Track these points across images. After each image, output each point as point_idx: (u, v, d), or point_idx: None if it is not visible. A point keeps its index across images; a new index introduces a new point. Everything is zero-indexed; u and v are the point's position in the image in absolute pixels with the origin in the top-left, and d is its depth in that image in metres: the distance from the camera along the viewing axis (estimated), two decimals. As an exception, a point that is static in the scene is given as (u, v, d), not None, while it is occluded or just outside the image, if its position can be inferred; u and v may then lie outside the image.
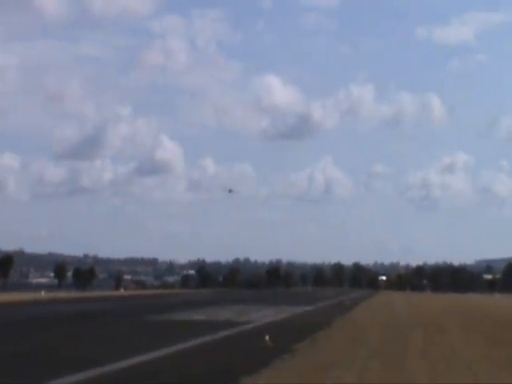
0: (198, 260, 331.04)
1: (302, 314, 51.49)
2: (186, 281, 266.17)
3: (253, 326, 36.37)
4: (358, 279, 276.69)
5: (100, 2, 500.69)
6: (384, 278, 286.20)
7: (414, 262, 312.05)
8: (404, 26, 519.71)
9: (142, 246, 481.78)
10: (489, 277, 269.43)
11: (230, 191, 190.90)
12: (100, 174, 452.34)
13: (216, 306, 60.39)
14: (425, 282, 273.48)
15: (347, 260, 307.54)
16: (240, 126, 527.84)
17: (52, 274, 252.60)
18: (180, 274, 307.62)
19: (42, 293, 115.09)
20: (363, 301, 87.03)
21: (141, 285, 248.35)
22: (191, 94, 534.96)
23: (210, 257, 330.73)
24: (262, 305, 65.75)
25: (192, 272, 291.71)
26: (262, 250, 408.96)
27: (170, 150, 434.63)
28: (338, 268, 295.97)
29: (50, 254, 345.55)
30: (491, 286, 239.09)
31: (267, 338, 25.76)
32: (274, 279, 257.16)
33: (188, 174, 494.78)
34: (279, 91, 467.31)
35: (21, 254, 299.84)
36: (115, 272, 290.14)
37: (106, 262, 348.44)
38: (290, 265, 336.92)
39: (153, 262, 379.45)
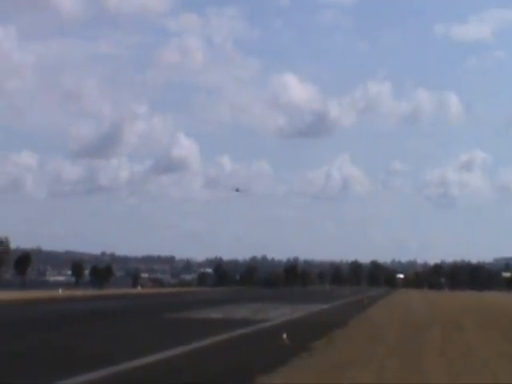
0: (215, 258, 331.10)
1: (319, 312, 51.40)
2: (202, 279, 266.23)
3: (270, 324, 36.33)
4: (376, 277, 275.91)
5: (117, 0, 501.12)
6: (402, 276, 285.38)
7: (432, 259, 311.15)
8: (422, 23, 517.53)
9: (159, 243, 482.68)
10: (507, 275, 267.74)
11: (238, 190, 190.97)
12: (117, 172, 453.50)
13: (233, 305, 60.39)
14: (442, 280, 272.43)
15: (365, 258, 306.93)
16: (257, 124, 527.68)
17: (69, 272, 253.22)
18: (197, 272, 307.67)
19: (60, 291, 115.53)
20: (381, 299, 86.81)
21: (158, 283, 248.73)
22: (208, 91, 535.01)
23: (227, 255, 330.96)
24: (279, 303, 65.71)
25: (209, 270, 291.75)
26: (280, 248, 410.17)
27: (186, 148, 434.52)
28: (356, 266, 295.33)
29: (67, 252, 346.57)
30: (509, 284, 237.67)
31: (285, 336, 25.70)
32: (292, 277, 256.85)
33: (205, 172, 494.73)
34: (296, 89, 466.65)
35: (38, 252, 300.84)
36: (132, 270, 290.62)
37: (123, 260, 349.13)
38: (308, 263, 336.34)
39: (170, 260, 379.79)
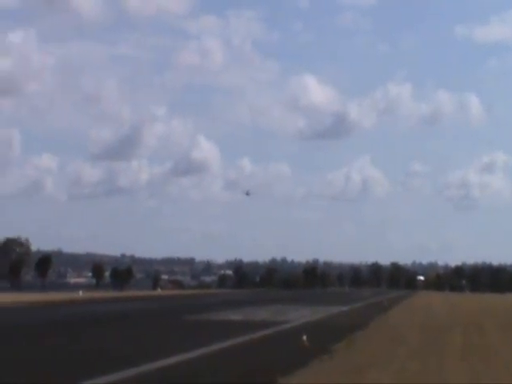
0: (235, 260, 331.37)
1: (339, 314, 51.25)
2: (222, 281, 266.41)
3: (290, 326, 36.27)
4: (396, 279, 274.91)
5: (136, 2, 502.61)
6: (422, 278, 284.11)
7: (453, 261, 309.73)
8: (442, 24, 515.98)
9: (179, 245, 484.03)
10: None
11: (248, 194, 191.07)
12: (136, 174, 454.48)
13: (253, 306, 60.36)
14: (464, 282, 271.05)
15: (385, 260, 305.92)
16: (276, 126, 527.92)
17: (90, 274, 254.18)
18: (217, 274, 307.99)
19: (80, 293, 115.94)
20: (401, 301, 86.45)
21: (178, 285, 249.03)
22: (227, 93, 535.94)
23: (247, 256, 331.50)
24: (299, 305, 65.62)
25: (229, 272, 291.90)
26: (299, 249, 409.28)
27: (206, 150, 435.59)
28: (376, 268, 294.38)
29: (87, 254, 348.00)
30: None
31: (305, 338, 25.62)
32: (311, 279, 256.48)
33: (224, 174, 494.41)
34: (316, 90, 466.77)
35: (59, 254, 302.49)
36: (152, 272, 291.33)
37: (144, 262, 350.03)
38: (327, 265, 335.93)
39: (190, 262, 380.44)
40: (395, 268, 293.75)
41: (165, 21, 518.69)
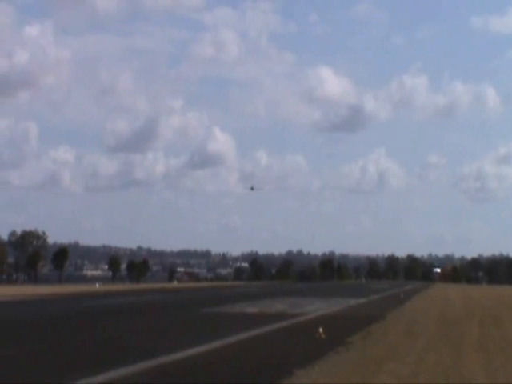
0: (251, 252, 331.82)
1: (355, 306, 51.17)
2: (238, 273, 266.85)
3: (306, 318, 36.24)
4: (413, 271, 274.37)
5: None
6: (439, 270, 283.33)
7: (470, 254, 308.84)
8: (458, 15, 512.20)
9: (195, 238, 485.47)
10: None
11: (252, 189, 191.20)
12: (152, 166, 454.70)
13: (269, 299, 60.35)
14: (480, 274, 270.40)
15: (401, 252, 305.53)
16: (292, 118, 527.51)
17: (106, 267, 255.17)
18: (233, 267, 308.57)
19: (97, 285, 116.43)
20: (418, 293, 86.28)
21: (194, 277, 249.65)
22: (243, 85, 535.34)
23: (262, 249, 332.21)
24: (315, 297, 65.56)
25: (245, 264, 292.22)
26: (315, 242, 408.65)
27: (221, 142, 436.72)
28: (392, 260, 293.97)
29: (104, 247, 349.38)
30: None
31: (321, 330, 25.59)
32: (327, 271, 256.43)
33: (240, 166, 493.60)
34: (332, 82, 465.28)
35: (75, 246, 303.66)
36: (168, 264, 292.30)
37: (160, 255, 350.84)
38: (344, 257, 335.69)
39: (206, 255, 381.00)
40: (411, 260, 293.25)
41: (180, 13, 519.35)
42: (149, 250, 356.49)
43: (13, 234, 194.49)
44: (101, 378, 16.18)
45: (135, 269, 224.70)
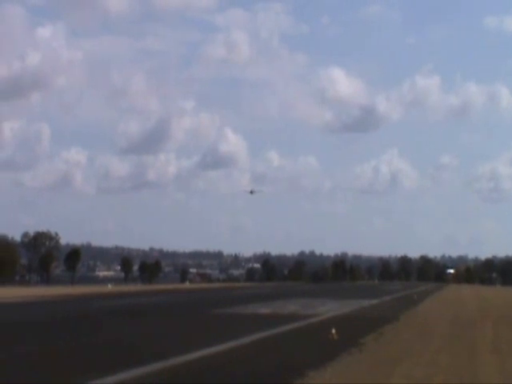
0: (263, 253, 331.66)
1: (368, 307, 51.00)
2: (250, 274, 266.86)
3: (319, 319, 36.12)
4: (426, 272, 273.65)
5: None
6: (452, 271, 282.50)
7: (483, 254, 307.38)
8: (471, 15, 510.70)
9: (207, 239, 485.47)
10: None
11: (252, 192, 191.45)
12: (164, 167, 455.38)
13: (281, 300, 60.25)
14: (494, 275, 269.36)
15: (414, 253, 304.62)
16: (304, 119, 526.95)
17: (118, 268, 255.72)
18: (245, 267, 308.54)
19: (109, 286, 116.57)
20: (431, 294, 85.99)
21: (206, 278, 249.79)
22: (255, 86, 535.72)
23: (275, 250, 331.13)
24: (327, 298, 65.41)
25: (257, 265, 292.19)
26: (328, 242, 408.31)
27: (233, 143, 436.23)
28: (405, 261, 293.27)
29: (116, 248, 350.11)
30: None
31: (334, 331, 25.47)
32: (340, 272, 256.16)
33: (252, 167, 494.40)
34: (344, 83, 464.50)
35: (88, 247, 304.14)
36: (181, 265, 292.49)
37: (172, 256, 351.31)
38: (356, 258, 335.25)
39: (218, 255, 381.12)
40: (424, 261, 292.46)
41: (192, 14, 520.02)
42: (161, 251, 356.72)
43: (25, 235, 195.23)
44: (113, 378, 16.13)
45: (147, 270, 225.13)
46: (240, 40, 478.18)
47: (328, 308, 47.02)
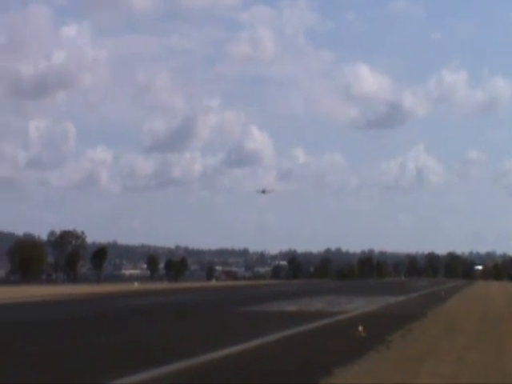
0: (289, 250, 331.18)
1: (395, 304, 50.71)
2: (277, 271, 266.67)
3: (346, 316, 35.93)
4: (453, 269, 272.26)
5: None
6: (480, 267, 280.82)
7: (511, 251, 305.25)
8: (498, 9, 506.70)
9: (233, 236, 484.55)
10: None
11: (264, 192, 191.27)
12: (190, 165, 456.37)
13: (308, 297, 60.11)
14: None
15: (441, 249, 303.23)
16: (330, 115, 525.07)
17: (144, 266, 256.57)
18: (271, 265, 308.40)
19: (136, 284, 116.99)
20: (459, 291, 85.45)
21: (232, 276, 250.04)
22: (280, 83, 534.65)
23: (301, 247, 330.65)
24: (354, 295, 65.19)
25: (283, 262, 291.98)
26: (354, 239, 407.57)
27: (259, 141, 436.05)
28: (432, 258, 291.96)
29: (142, 246, 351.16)
30: None
31: (361, 328, 25.27)
32: (367, 269, 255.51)
33: (278, 164, 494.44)
34: (369, 79, 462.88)
35: (114, 246, 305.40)
36: (206, 263, 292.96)
37: (198, 253, 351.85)
38: (383, 255, 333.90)
39: (244, 253, 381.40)
40: (452, 257, 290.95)
41: (217, 12, 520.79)
42: (187, 249, 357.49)
43: (52, 233, 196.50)
44: (139, 376, 16.04)
45: (173, 268, 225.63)
46: (265, 37, 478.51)
47: (355, 305, 46.80)
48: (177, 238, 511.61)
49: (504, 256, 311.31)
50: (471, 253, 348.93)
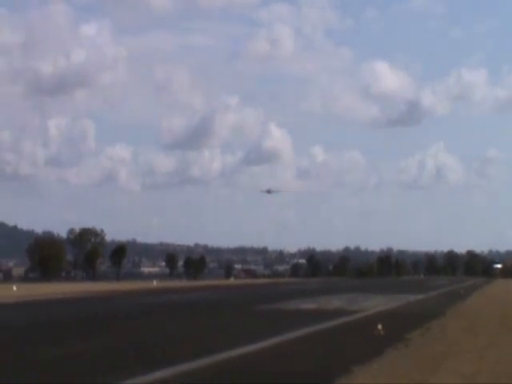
0: (308, 248, 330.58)
1: (414, 302, 50.60)
2: (295, 270, 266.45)
3: (364, 314, 35.91)
4: (472, 267, 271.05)
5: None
6: (499, 265, 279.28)
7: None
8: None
9: (252, 235, 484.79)
10: None
11: (269, 192, 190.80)
12: (209, 163, 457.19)
13: (327, 295, 60.08)
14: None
15: (460, 248, 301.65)
16: (349, 114, 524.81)
17: (163, 264, 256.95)
18: (290, 263, 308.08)
19: (155, 282, 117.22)
20: (478, 289, 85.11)
21: (251, 274, 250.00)
22: (299, 81, 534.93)
23: (319, 245, 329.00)
24: (373, 293, 65.08)
25: (302, 261, 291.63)
26: (373, 238, 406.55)
27: (278, 139, 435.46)
28: (452, 256, 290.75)
29: (161, 244, 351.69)
30: None
31: (380, 326, 25.26)
32: (385, 268, 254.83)
33: (297, 162, 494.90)
34: (389, 77, 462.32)
35: (133, 243, 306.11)
36: (225, 261, 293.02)
37: (216, 252, 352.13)
38: (402, 253, 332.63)
39: (263, 251, 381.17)
40: (471, 256, 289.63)
41: (236, 10, 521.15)
42: (205, 247, 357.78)
43: (71, 231, 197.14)
44: (158, 374, 16.11)
45: (192, 266, 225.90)
46: (284, 35, 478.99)
47: (373, 303, 46.75)
48: (196, 236, 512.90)
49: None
50: (490, 251, 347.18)
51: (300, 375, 16.65)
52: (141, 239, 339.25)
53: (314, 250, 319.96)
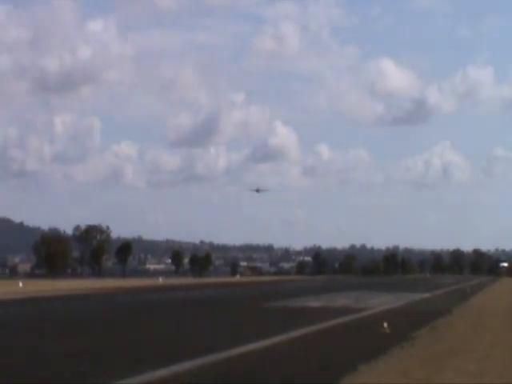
0: (314, 246, 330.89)
1: (420, 300, 50.53)
2: (301, 267, 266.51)
3: (370, 312, 35.84)
4: (479, 266, 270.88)
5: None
6: (505, 264, 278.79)
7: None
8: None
9: (258, 232, 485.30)
10: None
11: (258, 191, 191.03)
12: (215, 161, 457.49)
13: (332, 293, 60.03)
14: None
15: (467, 246, 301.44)
16: (355, 112, 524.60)
17: (169, 261, 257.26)
18: (296, 261, 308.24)
19: (160, 279, 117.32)
20: (484, 288, 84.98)
21: (257, 271, 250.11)
22: (305, 79, 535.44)
23: (325, 243, 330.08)
24: (379, 291, 65.01)
25: (308, 258, 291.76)
26: (379, 236, 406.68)
27: (284, 136, 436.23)
28: (458, 254, 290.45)
29: (167, 241, 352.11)
30: None
31: (385, 324, 25.19)
32: (391, 266, 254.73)
33: (303, 160, 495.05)
34: (395, 75, 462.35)
35: (139, 241, 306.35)
36: (231, 258, 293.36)
37: (222, 249, 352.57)
38: (408, 251, 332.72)
39: (268, 249, 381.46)
40: (477, 254, 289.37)
41: (242, 7, 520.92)
42: (211, 245, 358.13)
43: (77, 228, 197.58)
44: (163, 372, 16.04)
45: (198, 263, 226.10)
46: (290, 33, 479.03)
47: (379, 301, 46.67)
48: (201, 233, 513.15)
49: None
50: (497, 250, 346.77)
51: (305, 373, 16.56)
52: (146, 236, 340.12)
53: (319, 247, 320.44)
